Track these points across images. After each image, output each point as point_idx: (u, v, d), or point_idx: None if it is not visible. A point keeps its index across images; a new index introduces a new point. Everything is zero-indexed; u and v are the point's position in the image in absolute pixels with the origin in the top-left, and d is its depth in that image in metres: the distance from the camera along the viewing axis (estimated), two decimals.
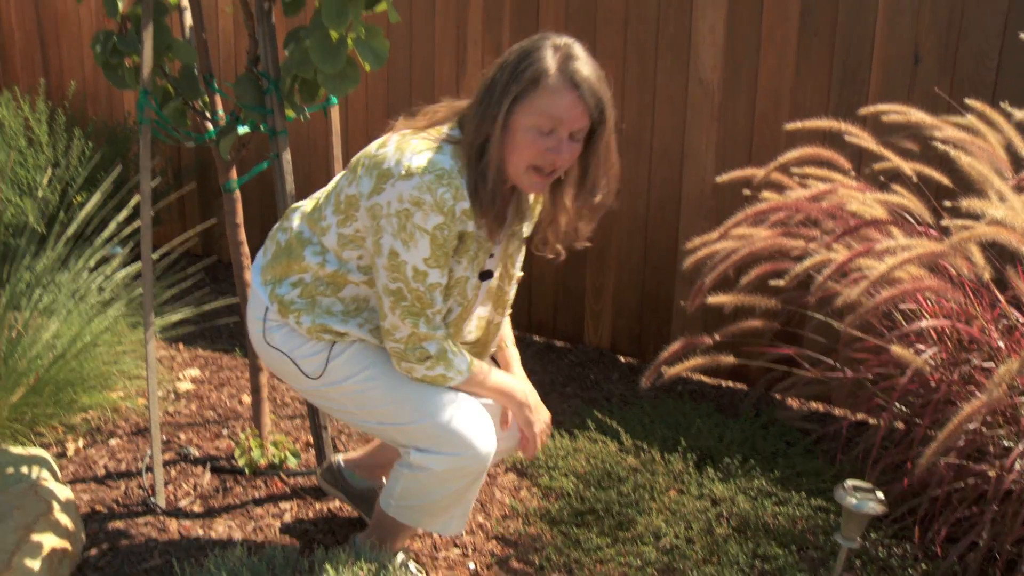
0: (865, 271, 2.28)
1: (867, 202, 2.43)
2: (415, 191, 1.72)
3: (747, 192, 2.71)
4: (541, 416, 2.06)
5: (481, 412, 1.94)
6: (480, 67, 3.69)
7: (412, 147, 1.77)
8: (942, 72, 2.95)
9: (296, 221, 2.00)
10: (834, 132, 2.61)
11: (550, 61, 1.72)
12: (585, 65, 1.75)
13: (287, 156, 2.30)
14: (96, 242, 3.58)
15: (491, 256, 1.96)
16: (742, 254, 2.41)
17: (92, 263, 3.54)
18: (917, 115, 2.48)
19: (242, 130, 2.37)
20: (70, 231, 3.63)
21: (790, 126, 2.71)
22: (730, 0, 3.21)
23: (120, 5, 2.47)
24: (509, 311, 2.16)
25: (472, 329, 2.04)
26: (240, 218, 2.52)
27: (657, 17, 3.36)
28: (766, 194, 2.58)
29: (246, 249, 2.53)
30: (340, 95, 2.24)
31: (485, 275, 1.95)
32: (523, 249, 2.09)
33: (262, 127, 2.31)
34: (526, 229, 2.05)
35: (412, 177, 1.72)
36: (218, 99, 2.50)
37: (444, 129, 1.83)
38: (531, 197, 2.02)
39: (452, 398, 1.91)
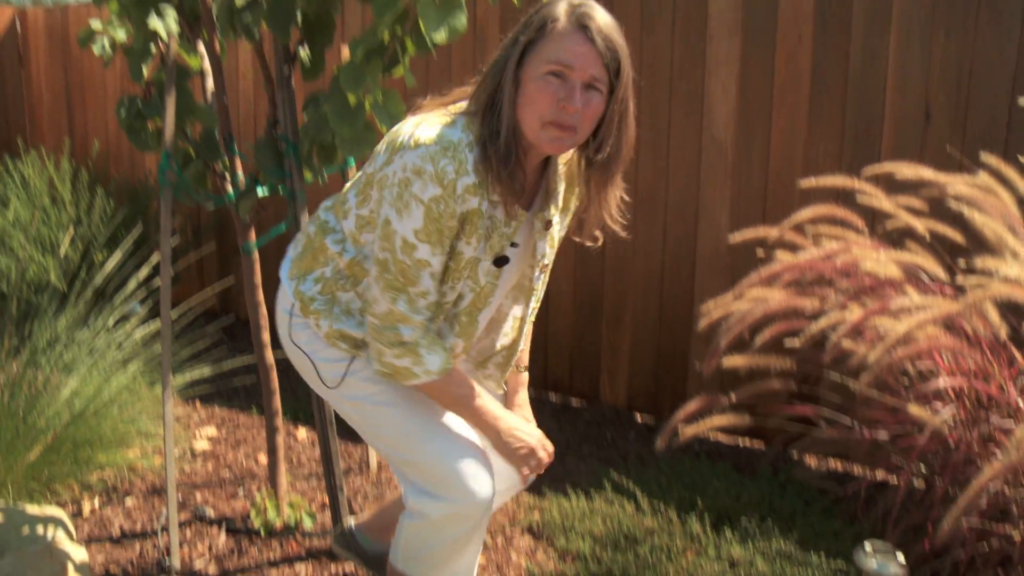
0: (880, 330, 2.27)
1: (881, 261, 2.43)
2: (418, 160, 1.64)
3: (761, 253, 2.72)
4: (528, 443, 1.91)
5: (483, 457, 1.91)
6: None
7: (427, 121, 1.70)
8: (953, 130, 2.97)
9: (323, 211, 1.95)
10: (847, 190, 2.63)
11: (561, 9, 1.63)
12: (597, 12, 1.63)
13: (305, 218, 2.33)
14: (116, 300, 3.62)
15: (514, 245, 1.81)
16: (756, 316, 2.42)
17: (111, 321, 3.58)
18: (929, 173, 2.50)
19: (261, 192, 2.41)
20: (91, 289, 3.67)
21: (803, 184, 2.73)
22: (742, 60, 3.25)
23: (144, 70, 2.54)
24: (534, 310, 2.03)
25: (508, 330, 1.98)
26: (258, 279, 2.54)
27: (670, 77, 3.41)
28: (780, 253, 2.59)
29: (264, 310, 2.56)
30: (358, 158, 2.28)
31: (501, 261, 1.80)
32: (554, 240, 1.90)
33: (281, 189, 2.34)
34: (557, 218, 1.87)
35: (418, 148, 1.65)
36: (238, 161, 2.54)
37: (464, 105, 1.75)
38: (563, 185, 1.85)
39: (457, 440, 1.88)
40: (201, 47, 2.59)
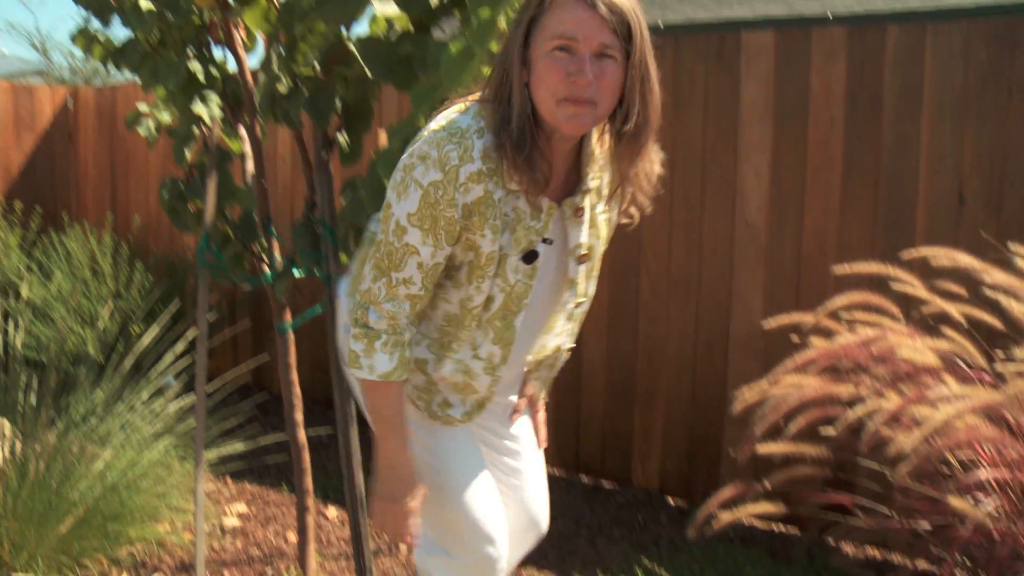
0: (918, 418, 2.24)
1: (918, 348, 2.40)
2: (424, 145, 1.56)
3: (796, 338, 2.70)
4: (385, 509, 1.75)
5: (501, 520, 1.86)
6: None
7: (445, 112, 1.64)
8: (988, 213, 2.96)
9: (372, 223, 1.90)
10: (881, 276, 2.61)
11: None
12: None
13: (340, 302, 2.35)
14: (152, 374, 3.66)
15: (546, 241, 1.67)
16: (792, 403, 2.39)
17: (146, 395, 3.61)
18: (965, 259, 2.48)
19: (297, 274, 2.45)
20: (127, 363, 3.71)
21: (837, 270, 2.72)
22: (774, 144, 3.28)
23: (187, 153, 2.61)
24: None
25: (559, 331, 1.82)
26: (292, 359, 2.57)
27: (703, 160, 3.44)
28: (814, 339, 2.57)
29: (297, 390, 2.57)
30: None
31: (530, 256, 1.66)
32: (599, 231, 1.75)
33: (317, 272, 2.38)
34: (601, 207, 1.74)
35: (428, 134, 1.58)
36: (275, 243, 2.59)
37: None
38: (605, 173, 1.72)
39: (480, 504, 1.81)
40: (242, 130, 2.66)
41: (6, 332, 4.17)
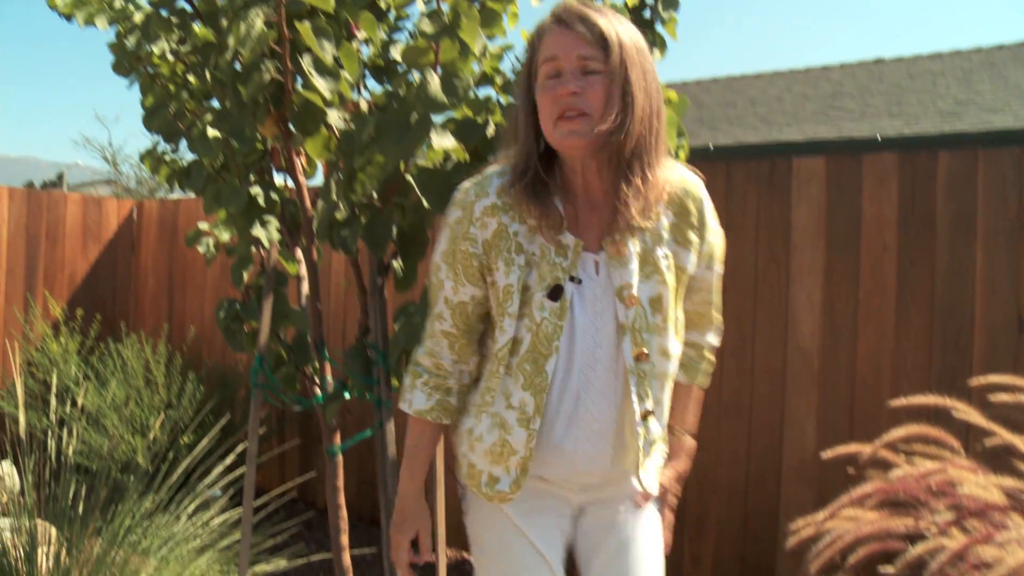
0: (987, 560, 2.15)
1: (981, 483, 2.33)
2: (456, 194, 1.68)
3: (851, 470, 2.64)
4: (394, 540, 1.77)
5: None
6: None
7: None
8: None
9: None
10: (940, 406, 2.55)
11: (548, 17, 1.62)
12: (585, 6, 1.59)
13: (391, 426, 2.36)
14: (199, 487, 3.67)
15: (575, 280, 1.62)
16: (848, 540, 2.32)
17: (192, 507, 3.61)
18: None
19: (347, 397, 2.46)
20: (176, 474, 3.73)
21: (893, 403, 2.67)
22: (827, 269, 3.27)
23: (245, 275, 2.67)
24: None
25: (631, 391, 1.64)
26: (340, 481, 2.56)
27: (754, 284, 3.43)
28: (871, 471, 2.51)
29: (344, 512, 2.56)
30: None
31: (555, 293, 1.61)
32: (661, 272, 1.65)
33: (368, 396, 2.39)
34: (663, 250, 1.66)
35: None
36: (327, 366, 2.61)
37: None
38: (664, 217, 1.66)
39: None
40: (299, 253, 2.72)
41: (60, 439, 4.22)
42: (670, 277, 1.66)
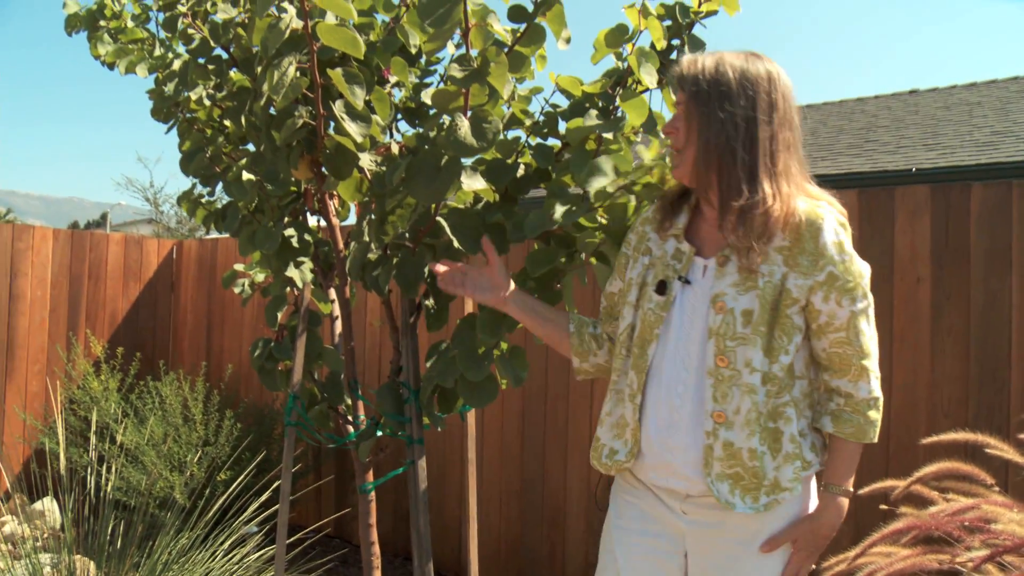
0: None
1: (1016, 520, 2.30)
2: None
3: (884, 506, 2.61)
4: None
5: None
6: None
7: None
8: None
9: None
10: (976, 442, 2.53)
11: None
12: (704, 55, 1.81)
13: (422, 463, 2.38)
14: (235, 523, 3.71)
15: (683, 280, 1.82)
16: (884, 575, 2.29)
17: (228, 543, 3.65)
18: None
19: (380, 435, 2.49)
20: (212, 511, 3.77)
21: (926, 441, 2.64)
22: None
23: (279, 316, 2.71)
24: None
25: (713, 391, 1.76)
26: (373, 519, 2.58)
27: None
28: (905, 507, 2.48)
29: (377, 550, 2.58)
30: (477, 407, 2.34)
31: (661, 287, 1.85)
32: (758, 288, 1.75)
33: (400, 434, 2.42)
34: (763, 267, 1.75)
35: None
36: (360, 404, 2.64)
37: None
38: (777, 239, 1.75)
39: None
40: (332, 293, 2.76)
41: (100, 475, 4.29)
42: (768, 293, 1.75)
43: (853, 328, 1.81)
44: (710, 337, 1.77)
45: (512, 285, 2.05)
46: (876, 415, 1.92)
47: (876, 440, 1.91)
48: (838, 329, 1.80)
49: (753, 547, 1.83)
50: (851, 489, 1.98)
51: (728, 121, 1.72)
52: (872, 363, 1.87)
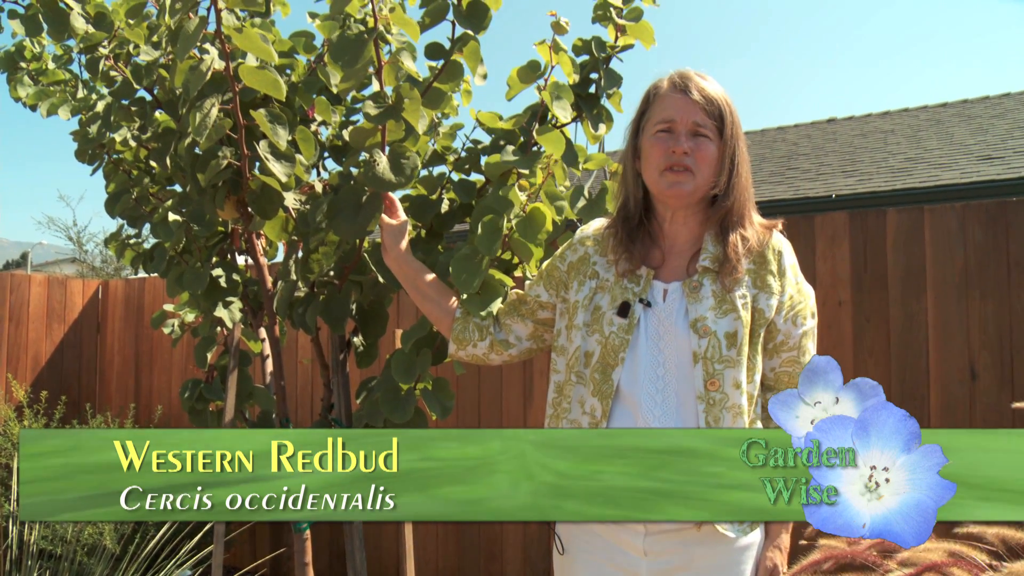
0: None
1: (926, 547, 2.35)
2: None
3: (803, 541, 2.67)
4: None
5: None
6: (544, 397, 3.82)
7: None
8: (1001, 386, 2.97)
9: None
10: None
11: (663, 78, 1.82)
12: (695, 74, 1.80)
13: None
14: (168, 568, 3.63)
15: (644, 303, 1.78)
16: None
17: None
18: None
19: None
20: (143, 555, 3.69)
21: None
22: None
23: (209, 356, 2.69)
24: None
25: (706, 415, 1.73)
26: (309, 557, 2.55)
27: None
28: (822, 540, 2.52)
29: None
30: None
31: (623, 310, 1.80)
32: (736, 310, 1.76)
33: None
34: (737, 290, 1.77)
35: None
36: None
37: None
38: (743, 261, 1.79)
39: None
40: (262, 332, 2.75)
41: (23, 525, 4.17)
42: (746, 315, 1.77)
43: (801, 348, 1.84)
44: (696, 362, 1.74)
45: (403, 245, 2.04)
46: None
47: None
48: (791, 348, 1.83)
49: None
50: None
51: (737, 146, 1.80)
52: None
